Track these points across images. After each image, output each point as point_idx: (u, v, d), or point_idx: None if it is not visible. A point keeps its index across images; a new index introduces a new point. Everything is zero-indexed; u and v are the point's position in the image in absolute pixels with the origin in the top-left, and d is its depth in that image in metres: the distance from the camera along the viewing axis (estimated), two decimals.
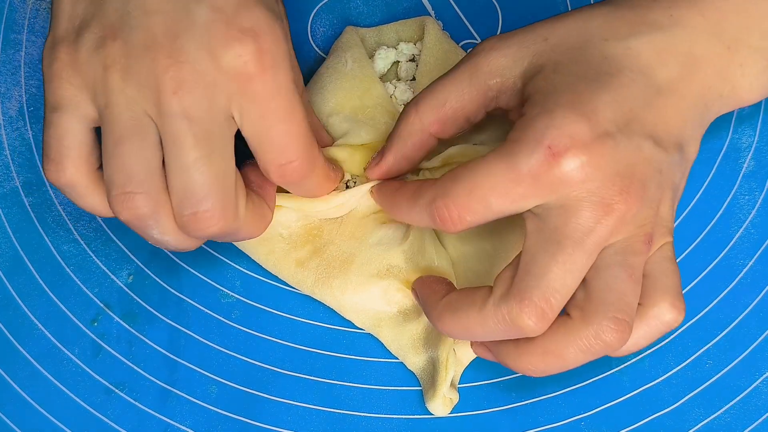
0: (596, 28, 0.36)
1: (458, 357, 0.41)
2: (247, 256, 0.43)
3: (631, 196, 0.33)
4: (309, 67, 0.47)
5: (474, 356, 0.41)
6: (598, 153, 0.33)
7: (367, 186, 0.41)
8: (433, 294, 0.37)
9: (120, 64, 0.33)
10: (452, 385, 0.40)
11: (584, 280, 0.34)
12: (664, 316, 0.35)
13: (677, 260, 0.42)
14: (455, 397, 0.40)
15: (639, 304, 0.35)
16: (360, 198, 0.41)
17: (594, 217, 0.33)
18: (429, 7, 0.47)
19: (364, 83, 0.43)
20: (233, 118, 0.34)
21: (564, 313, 0.34)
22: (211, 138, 0.33)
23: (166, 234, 0.35)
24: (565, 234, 0.33)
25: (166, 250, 0.41)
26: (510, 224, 0.42)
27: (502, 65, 0.36)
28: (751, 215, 0.44)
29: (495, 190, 0.33)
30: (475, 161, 0.34)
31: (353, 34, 0.45)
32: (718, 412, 0.41)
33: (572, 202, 0.33)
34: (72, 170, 0.35)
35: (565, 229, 0.33)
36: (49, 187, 0.45)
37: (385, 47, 0.45)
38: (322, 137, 0.42)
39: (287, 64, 0.34)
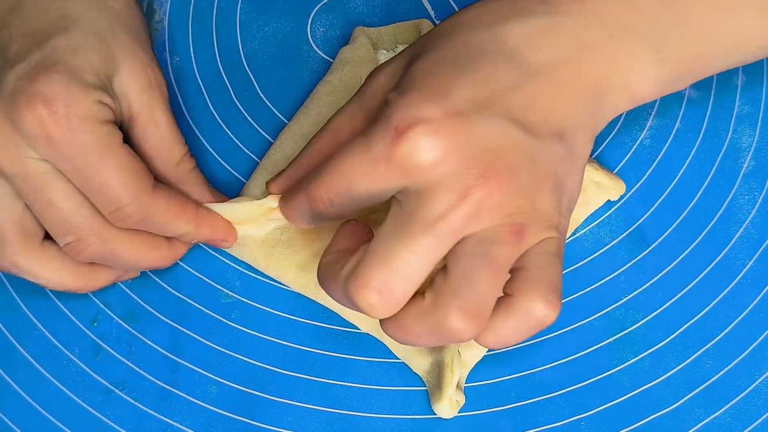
0: (466, 18, 0.35)
1: (463, 359, 0.41)
2: (247, 269, 0.43)
3: (492, 181, 0.32)
4: (309, 67, 0.47)
5: (480, 357, 0.41)
6: (448, 132, 0.32)
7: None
8: (334, 243, 0.37)
9: None
10: (458, 386, 0.40)
11: (445, 266, 0.33)
12: (534, 310, 0.33)
13: (678, 259, 0.43)
14: (461, 399, 0.40)
15: (508, 295, 0.33)
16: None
17: (448, 201, 0.32)
18: (429, 8, 0.47)
19: None
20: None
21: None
22: (46, 186, 0.36)
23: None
24: (416, 218, 0.32)
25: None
26: None
27: (383, 83, 0.37)
28: (751, 215, 0.44)
29: (357, 172, 0.33)
30: (344, 146, 0.34)
31: (367, 45, 0.45)
32: (718, 412, 0.41)
33: (428, 185, 0.32)
34: None
35: (417, 213, 0.32)
36: None
37: (384, 51, 0.45)
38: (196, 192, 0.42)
39: (88, 123, 0.36)
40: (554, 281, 0.34)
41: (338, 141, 0.38)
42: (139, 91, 0.39)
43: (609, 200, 0.43)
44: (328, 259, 0.36)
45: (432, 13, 0.47)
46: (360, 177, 0.33)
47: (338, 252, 0.36)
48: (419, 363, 0.41)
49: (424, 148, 0.32)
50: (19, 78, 0.35)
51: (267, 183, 0.41)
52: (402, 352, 0.41)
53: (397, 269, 0.32)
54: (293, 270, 0.42)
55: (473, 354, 0.41)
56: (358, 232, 0.37)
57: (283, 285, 0.43)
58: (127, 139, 0.39)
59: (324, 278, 0.36)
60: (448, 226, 0.32)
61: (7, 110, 0.35)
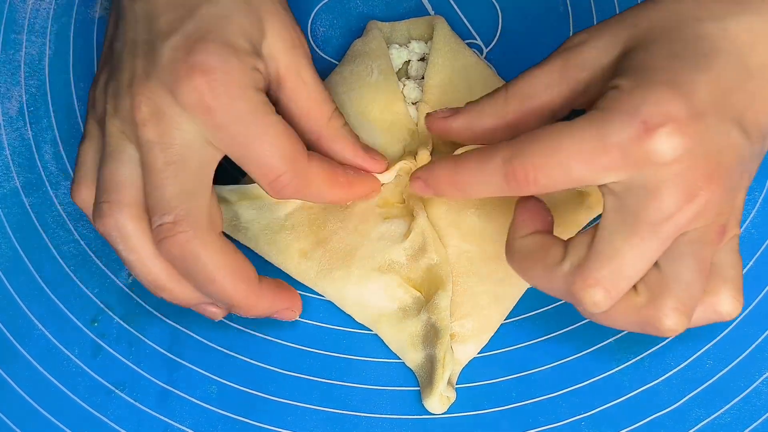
0: (688, 9, 0.35)
1: (456, 356, 0.41)
2: (247, 255, 0.43)
3: (715, 183, 0.32)
4: None
5: (472, 356, 0.41)
6: (690, 133, 0.32)
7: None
8: (525, 222, 0.37)
9: (112, 100, 0.37)
10: (450, 383, 0.40)
11: (657, 262, 0.34)
12: (722, 306, 0.36)
13: None
14: (452, 396, 0.40)
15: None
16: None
17: (676, 202, 0.32)
18: (429, 8, 0.47)
19: (387, 97, 0.43)
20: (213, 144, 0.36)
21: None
22: (181, 161, 0.36)
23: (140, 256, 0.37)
24: (643, 218, 0.33)
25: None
26: None
27: (593, 57, 0.36)
28: (751, 215, 0.44)
29: (578, 156, 0.33)
30: (560, 125, 0.33)
31: (380, 38, 0.45)
32: (718, 412, 0.41)
33: (655, 183, 0.32)
34: (85, 192, 0.38)
35: (644, 212, 0.32)
36: (49, 187, 0.45)
37: (397, 46, 0.45)
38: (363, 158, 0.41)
39: (245, 92, 0.36)
40: (740, 280, 0.36)
41: (532, 107, 0.37)
42: (285, 53, 0.38)
43: None
44: (527, 242, 0.36)
45: (432, 12, 0.47)
46: (581, 162, 0.33)
47: (535, 235, 0.36)
48: (412, 357, 0.41)
49: (668, 147, 0.32)
50: (175, 49, 0.36)
51: (427, 116, 0.40)
52: (395, 345, 0.41)
53: (624, 269, 0.33)
54: (295, 256, 0.42)
55: (466, 351, 0.41)
56: (541, 210, 0.37)
57: None
58: (276, 103, 0.39)
59: (528, 263, 0.36)
60: (674, 227, 0.33)
61: (166, 81, 0.35)
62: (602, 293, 0.33)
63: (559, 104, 0.37)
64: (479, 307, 0.41)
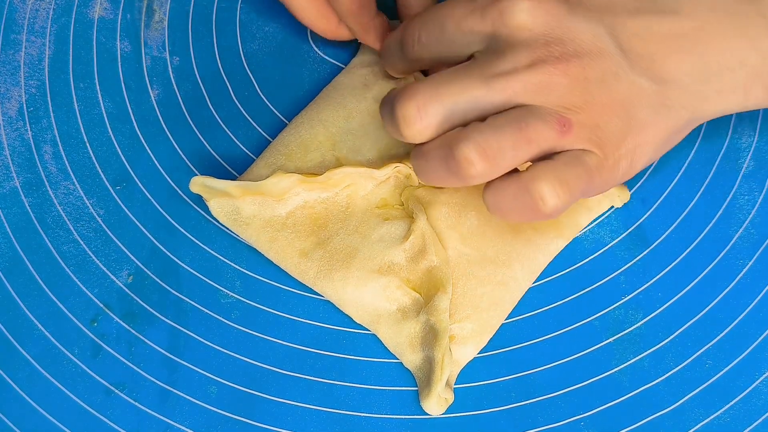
0: None
1: (455, 357, 0.41)
2: (247, 255, 0.43)
3: (561, 66, 0.34)
4: (309, 67, 0.47)
5: (470, 357, 0.41)
6: (548, 8, 0.34)
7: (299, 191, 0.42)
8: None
9: None
10: (448, 384, 0.40)
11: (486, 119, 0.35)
12: (536, 187, 0.34)
13: (678, 259, 0.43)
14: (450, 397, 0.40)
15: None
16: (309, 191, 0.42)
17: (515, 63, 0.34)
18: None
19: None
20: None
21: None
22: None
23: None
24: (481, 67, 0.35)
25: None
26: (514, 231, 0.42)
27: None
28: (751, 215, 0.44)
29: (452, 16, 0.36)
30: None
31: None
32: (718, 412, 0.41)
33: (504, 46, 0.35)
34: None
35: (484, 64, 0.35)
36: (48, 187, 0.45)
37: None
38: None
39: None
40: (568, 178, 0.34)
41: None
42: None
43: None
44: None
45: None
46: (453, 21, 0.36)
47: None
48: (411, 358, 0.41)
49: (519, 11, 0.34)
50: None
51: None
52: (394, 346, 0.41)
53: (441, 96, 0.35)
54: (295, 255, 0.42)
55: (465, 353, 0.41)
56: None
57: (284, 285, 0.43)
58: None
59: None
60: (504, 82, 0.34)
61: None
62: (414, 109, 0.35)
63: None
64: (479, 309, 0.41)
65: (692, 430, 0.40)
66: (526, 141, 0.34)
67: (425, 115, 0.35)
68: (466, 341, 0.41)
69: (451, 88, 0.35)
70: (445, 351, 0.39)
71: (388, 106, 0.36)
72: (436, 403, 0.40)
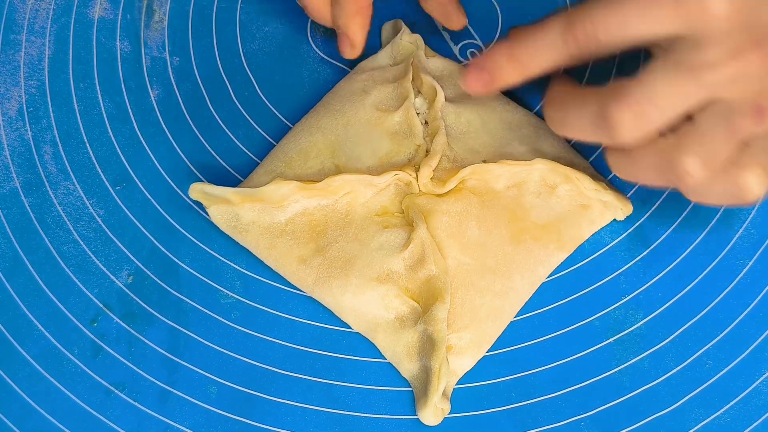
0: None
1: (452, 368, 0.40)
2: (247, 256, 0.43)
3: (762, 51, 0.33)
4: (309, 67, 0.47)
5: (468, 368, 0.41)
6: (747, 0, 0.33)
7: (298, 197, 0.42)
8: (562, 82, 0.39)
9: None
10: (444, 395, 0.40)
11: (692, 117, 0.35)
12: (745, 181, 0.35)
13: (678, 259, 0.43)
14: (447, 408, 0.40)
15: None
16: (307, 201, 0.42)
17: (720, 55, 0.33)
18: None
19: (401, 104, 0.44)
20: None
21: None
22: None
23: None
24: (686, 61, 0.34)
25: None
26: (514, 242, 0.42)
27: None
28: (751, 215, 0.44)
29: (634, 9, 0.33)
30: None
31: (412, 49, 0.46)
32: (718, 412, 0.41)
33: (703, 37, 0.33)
34: None
35: (687, 57, 0.34)
36: (48, 188, 0.45)
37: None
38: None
39: None
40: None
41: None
42: None
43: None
44: (565, 88, 0.38)
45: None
46: (639, 16, 0.33)
47: (572, 84, 0.38)
48: (408, 367, 0.41)
49: (722, 3, 0.32)
50: None
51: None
52: (391, 354, 0.41)
53: (657, 100, 0.34)
54: (294, 262, 0.42)
55: (462, 364, 0.41)
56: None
57: (283, 285, 0.43)
58: None
59: (566, 100, 0.37)
60: (712, 76, 0.34)
61: None
62: (631, 115, 0.34)
63: None
64: (478, 320, 0.41)
65: (692, 430, 0.40)
66: (735, 139, 0.35)
67: (644, 123, 0.35)
68: (463, 352, 0.41)
69: (664, 88, 0.34)
70: (442, 361, 0.39)
71: (593, 106, 0.35)
72: (433, 413, 0.40)
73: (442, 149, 0.42)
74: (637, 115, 0.34)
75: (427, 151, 0.43)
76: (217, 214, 0.42)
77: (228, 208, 0.42)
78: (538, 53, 0.37)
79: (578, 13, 0.35)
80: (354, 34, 0.43)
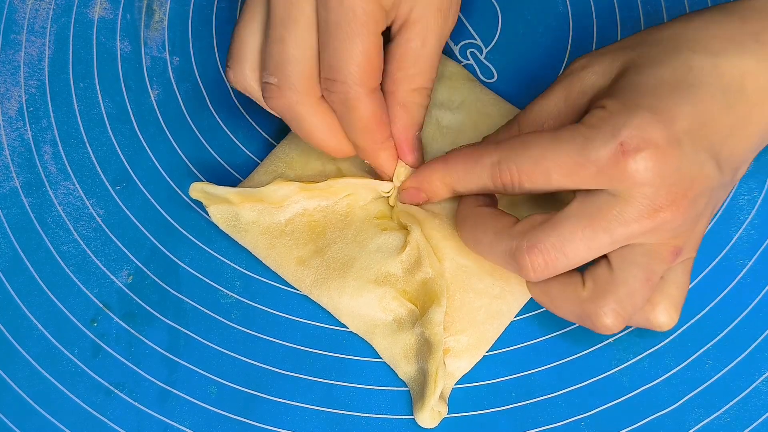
0: (687, 40, 0.36)
1: (449, 371, 0.40)
2: (246, 256, 0.43)
3: (679, 208, 0.34)
4: None
5: (466, 371, 0.41)
6: (664, 160, 0.34)
7: (296, 192, 0.41)
8: (476, 197, 0.40)
9: None
10: (442, 397, 0.40)
11: (610, 262, 0.36)
12: (656, 317, 0.38)
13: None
14: (444, 410, 0.40)
15: None
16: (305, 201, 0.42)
17: (636, 215, 0.34)
18: None
19: None
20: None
21: (583, 271, 0.37)
22: (284, 20, 0.37)
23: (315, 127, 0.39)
24: (603, 216, 0.35)
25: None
26: None
27: (593, 82, 0.37)
28: (751, 215, 0.44)
29: (560, 168, 0.35)
30: (547, 134, 0.35)
31: None
32: (718, 412, 0.41)
33: (623, 196, 0.34)
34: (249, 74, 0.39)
35: (605, 212, 0.35)
36: (48, 187, 0.45)
37: None
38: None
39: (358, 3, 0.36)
40: (680, 300, 0.38)
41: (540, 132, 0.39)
42: (427, 5, 0.39)
43: None
44: (480, 211, 0.39)
45: None
46: (562, 173, 0.35)
47: (488, 207, 0.39)
48: (405, 370, 0.41)
49: (642, 170, 0.34)
50: None
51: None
52: (388, 356, 0.41)
53: (567, 247, 0.35)
54: (292, 263, 0.42)
55: (460, 366, 0.41)
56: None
57: (283, 285, 0.43)
58: (387, 41, 0.39)
59: (480, 228, 0.38)
60: (628, 234, 0.35)
61: None
62: (541, 260, 0.36)
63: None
64: (475, 322, 0.41)
65: (692, 430, 0.40)
66: (653, 287, 0.37)
67: (551, 267, 0.36)
68: (461, 355, 0.41)
69: (577, 240, 0.35)
70: (439, 364, 0.39)
71: (505, 244, 0.37)
72: (430, 416, 0.40)
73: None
74: (547, 262, 0.36)
75: None
76: (217, 214, 0.42)
77: (228, 207, 0.42)
78: (468, 182, 0.38)
79: (505, 159, 0.36)
80: (387, 170, 0.41)
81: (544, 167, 0.35)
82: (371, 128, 0.39)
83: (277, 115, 0.40)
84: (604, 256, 0.37)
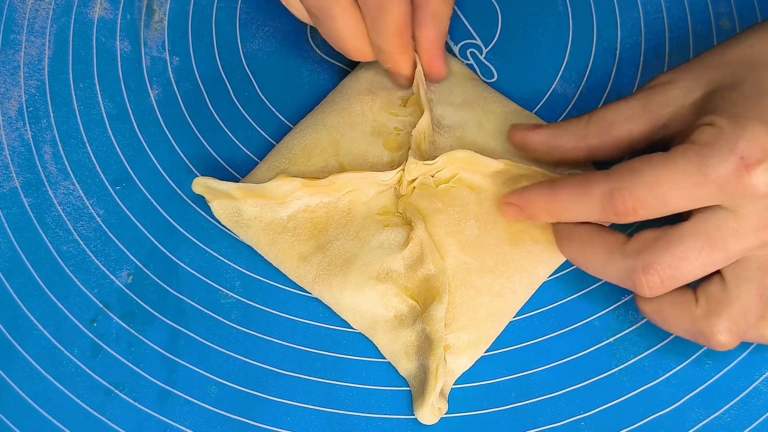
0: (764, 54, 0.37)
1: (450, 367, 0.40)
2: (246, 256, 0.43)
3: None
4: (309, 67, 0.47)
5: (466, 368, 0.41)
6: None
7: (294, 187, 0.41)
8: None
9: None
10: (442, 394, 0.40)
11: (723, 278, 0.36)
12: None
13: None
14: (444, 407, 0.40)
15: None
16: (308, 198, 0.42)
17: (754, 228, 0.35)
18: None
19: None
20: None
21: (695, 287, 0.37)
22: None
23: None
24: (720, 232, 0.35)
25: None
26: (514, 243, 0.41)
27: (676, 96, 0.38)
28: None
29: (677, 190, 0.35)
30: (658, 158, 0.35)
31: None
32: (718, 412, 0.41)
33: (743, 211, 0.35)
34: None
35: (723, 228, 0.35)
36: (48, 187, 0.45)
37: None
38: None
39: None
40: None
41: (612, 135, 0.39)
42: None
43: None
44: (584, 229, 0.39)
45: None
46: (680, 196, 0.35)
47: (590, 224, 0.39)
48: (406, 366, 0.41)
49: (764, 182, 0.34)
50: None
51: (511, 127, 0.42)
52: (389, 353, 0.41)
53: (683, 265, 0.35)
54: (294, 259, 0.42)
55: (460, 363, 0.41)
56: None
57: (283, 285, 0.43)
58: None
59: (589, 248, 0.38)
60: (743, 247, 0.35)
61: None
62: (657, 279, 0.36)
63: (637, 136, 0.39)
64: (476, 320, 0.41)
65: (692, 430, 0.40)
66: (765, 301, 0.36)
67: (667, 287, 0.36)
68: (461, 352, 0.41)
69: (692, 256, 0.35)
70: (439, 361, 0.39)
71: (619, 266, 0.37)
72: (430, 412, 0.40)
73: (426, 127, 0.42)
74: (663, 281, 0.36)
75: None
76: (220, 209, 0.42)
77: (230, 203, 0.42)
78: (575, 211, 0.38)
79: (619, 187, 0.36)
80: (406, 71, 0.43)
81: (659, 191, 0.35)
82: (400, 32, 0.40)
83: (301, 18, 0.42)
84: (717, 272, 0.37)
